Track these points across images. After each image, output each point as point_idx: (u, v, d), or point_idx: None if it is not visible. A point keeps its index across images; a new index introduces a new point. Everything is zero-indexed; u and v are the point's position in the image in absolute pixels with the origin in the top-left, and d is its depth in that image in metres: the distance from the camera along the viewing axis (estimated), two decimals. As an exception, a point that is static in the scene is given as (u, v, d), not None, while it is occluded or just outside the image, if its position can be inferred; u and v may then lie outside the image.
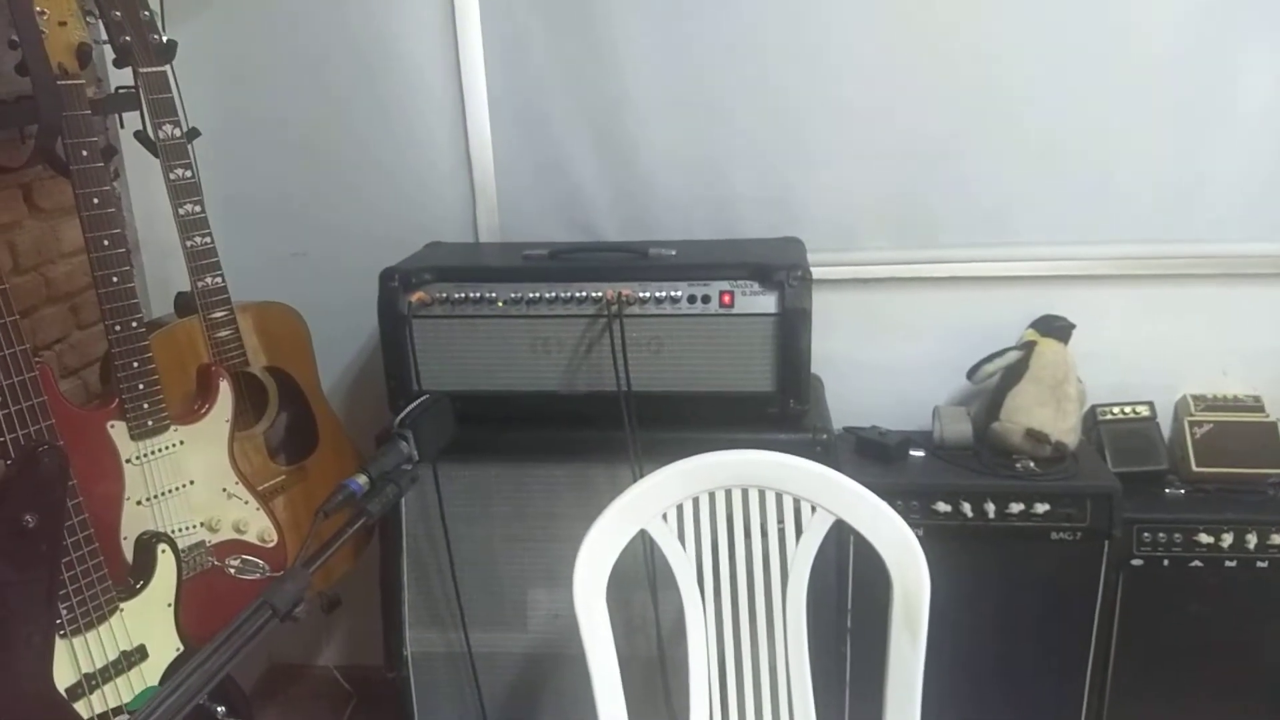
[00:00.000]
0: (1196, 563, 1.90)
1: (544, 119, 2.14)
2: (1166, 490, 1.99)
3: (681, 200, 2.15)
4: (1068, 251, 2.08)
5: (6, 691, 1.32)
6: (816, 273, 1.81)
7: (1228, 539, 1.88)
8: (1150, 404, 2.08)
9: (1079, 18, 1.96)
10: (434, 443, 1.19)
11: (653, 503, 1.46)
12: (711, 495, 1.48)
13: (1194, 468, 2.00)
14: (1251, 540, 1.87)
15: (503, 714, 1.96)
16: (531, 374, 1.86)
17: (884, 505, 1.42)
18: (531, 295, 1.82)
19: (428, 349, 1.85)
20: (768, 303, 1.79)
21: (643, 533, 1.46)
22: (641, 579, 1.79)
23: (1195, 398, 2.07)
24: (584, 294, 1.81)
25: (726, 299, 1.80)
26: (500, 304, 1.83)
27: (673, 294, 1.80)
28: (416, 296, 1.83)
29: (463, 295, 1.83)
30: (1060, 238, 2.08)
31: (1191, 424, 2.03)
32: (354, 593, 2.11)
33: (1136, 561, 1.91)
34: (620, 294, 1.79)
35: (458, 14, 2.08)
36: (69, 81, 1.53)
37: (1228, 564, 1.89)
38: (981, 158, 2.06)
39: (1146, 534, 1.90)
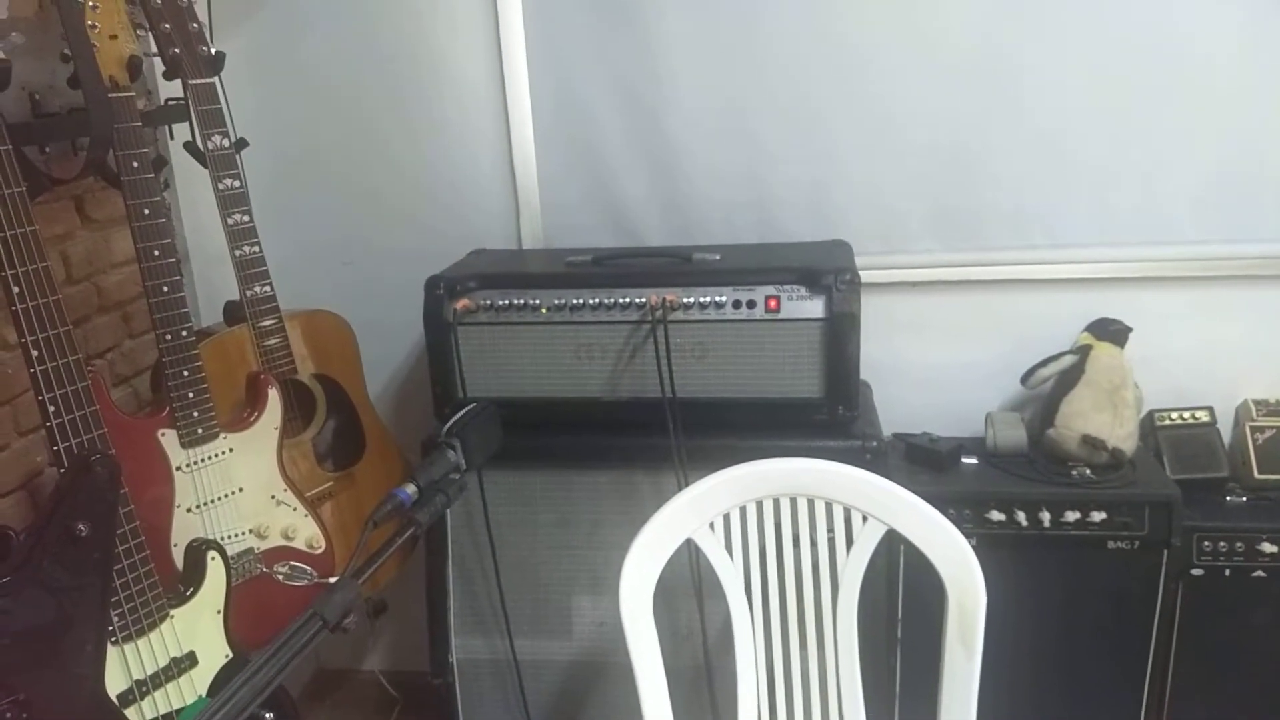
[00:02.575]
0: (1260, 573, 1.84)
1: (587, 126, 2.13)
2: (1228, 498, 1.93)
3: (725, 204, 2.13)
4: (1123, 253, 2.03)
5: (62, 698, 1.34)
6: (864, 276, 1.78)
7: (1293, 549, 1.82)
8: (1210, 409, 2.02)
9: (1128, 18, 1.92)
10: (481, 451, 1.18)
11: (700, 511, 1.44)
12: (760, 504, 1.46)
13: (1256, 475, 1.94)
14: (1318, 550, 1.82)
15: (548, 721, 1.95)
16: (575, 380, 1.85)
17: (938, 515, 1.39)
18: (575, 301, 1.82)
19: (472, 356, 1.85)
20: (815, 307, 1.76)
21: (689, 541, 1.44)
22: (687, 588, 1.78)
23: (1257, 402, 2.00)
24: (628, 300, 1.80)
25: (772, 304, 1.78)
26: (544, 310, 1.83)
27: (717, 299, 1.78)
28: (461, 304, 1.83)
29: (507, 302, 1.83)
30: (1115, 239, 2.03)
31: (1253, 429, 1.97)
32: (399, 598, 2.12)
33: (1197, 571, 1.86)
34: (664, 299, 1.78)
35: (501, 23, 2.08)
36: (120, 94, 1.55)
37: (1293, 574, 1.83)
38: (1032, 158, 2.02)
39: (1207, 543, 1.85)
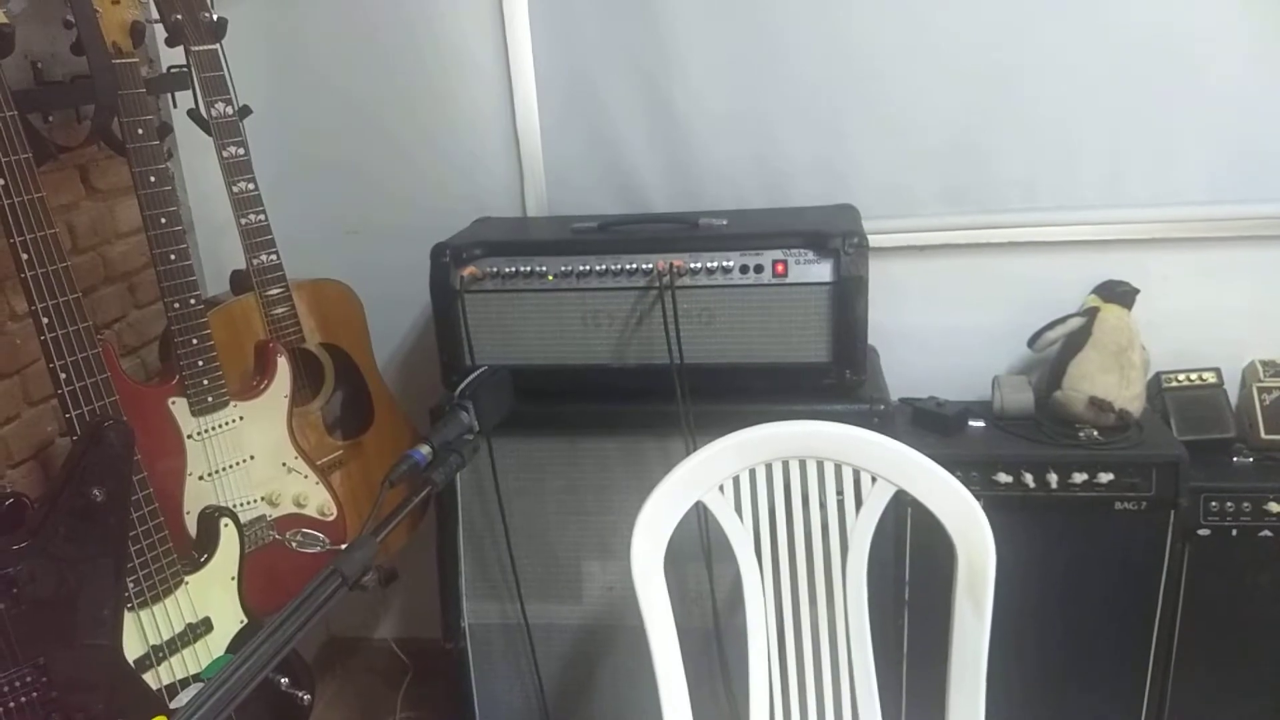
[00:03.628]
0: (1266, 532, 1.85)
1: (591, 91, 2.12)
2: (1234, 458, 1.94)
3: (732, 169, 2.12)
4: (1130, 214, 2.03)
5: (80, 662, 1.35)
6: (872, 240, 1.77)
7: (1299, 508, 1.83)
8: (1217, 370, 2.02)
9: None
10: (494, 413, 1.19)
11: (710, 474, 1.45)
12: (769, 467, 1.46)
13: (1263, 435, 1.94)
14: (1324, 509, 1.82)
15: (559, 685, 1.97)
16: (583, 347, 1.85)
17: (946, 475, 1.40)
18: (582, 268, 1.81)
19: (480, 324, 1.85)
20: (822, 271, 1.76)
21: (698, 505, 1.45)
22: (696, 551, 1.79)
23: (1264, 363, 2.00)
24: (634, 266, 1.80)
25: (780, 268, 1.77)
26: (550, 277, 1.83)
27: (724, 264, 1.78)
28: (468, 271, 1.82)
29: (513, 269, 1.83)
30: (1122, 200, 2.03)
31: (1260, 390, 1.97)
32: (410, 567, 2.14)
33: (1203, 531, 1.86)
34: (671, 265, 1.77)
35: (503, -14, 2.06)
36: (123, 60, 1.54)
37: (1299, 534, 1.84)
38: (1037, 120, 2.00)
39: (1214, 503, 1.85)
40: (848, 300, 1.75)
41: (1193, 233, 2.02)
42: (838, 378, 1.79)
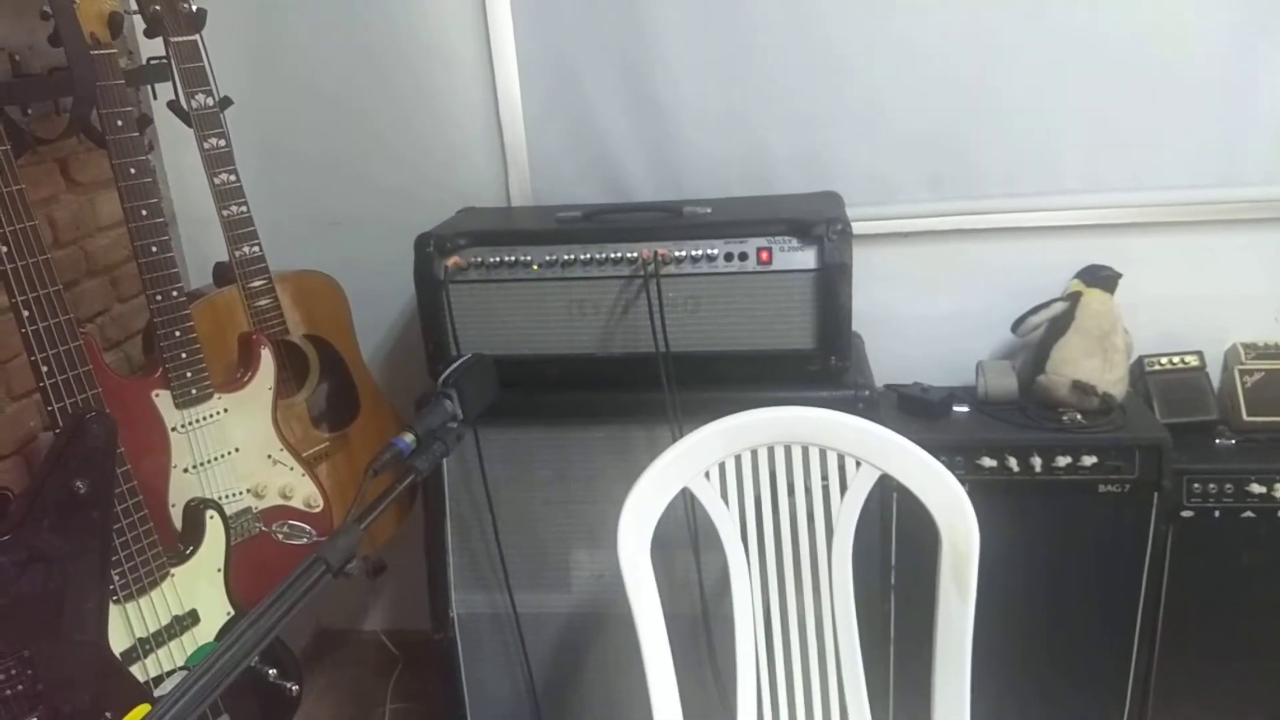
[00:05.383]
0: (1249, 513, 1.87)
1: (574, 80, 2.12)
2: (1217, 440, 1.95)
3: (715, 157, 2.12)
4: (1112, 199, 2.04)
5: (65, 655, 1.35)
6: (855, 227, 1.78)
7: (1281, 488, 1.84)
8: (1199, 353, 2.04)
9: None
10: (478, 400, 1.19)
11: (696, 460, 1.45)
12: (754, 453, 1.47)
13: (1245, 417, 1.96)
14: (1305, 490, 1.84)
15: (548, 673, 1.97)
16: (568, 336, 1.85)
17: (929, 458, 1.40)
18: (566, 257, 1.81)
19: (465, 314, 1.85)
20: (806, 258, 1.76)
21: (685, 492, 1.45)
22: (683, 539, 1.79)
23: (1246, 346, 2.02)
24: (619, 254, 1.80)
25: (764, 256, 1.77)
26: (535, 267, 1.82)
27: (709, 252, 1.78)
28: (452, 261, 1.82)
29: (498, 259, 1.82)
30: (1103, 185, 2.04)
31: (1242, 373, 1.99)
32: (398, 559, 2.14)
33: (1187, 513, 1.88)
34: (656, 253, 1.78)
35: (484, -26, 2.06)
36: (102, 51, 1.53)
37: (1280, 514, 1.86)
38: (1020, 105, 2.01)
39: (1197, 485, 1.87)
40: (832, 287, 1.75)
41: (1174, 217, 2.03)
42: (823, 364, 1.80)
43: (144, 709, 1.41)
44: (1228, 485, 1.86)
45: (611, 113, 2.13)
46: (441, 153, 2.20)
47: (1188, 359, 2.04)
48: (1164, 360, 2.04)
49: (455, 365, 1.21)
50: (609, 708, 1.96)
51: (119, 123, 1.54)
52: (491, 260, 1.83)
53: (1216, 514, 1.88)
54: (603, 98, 2.12)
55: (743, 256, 1.78)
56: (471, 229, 1.88)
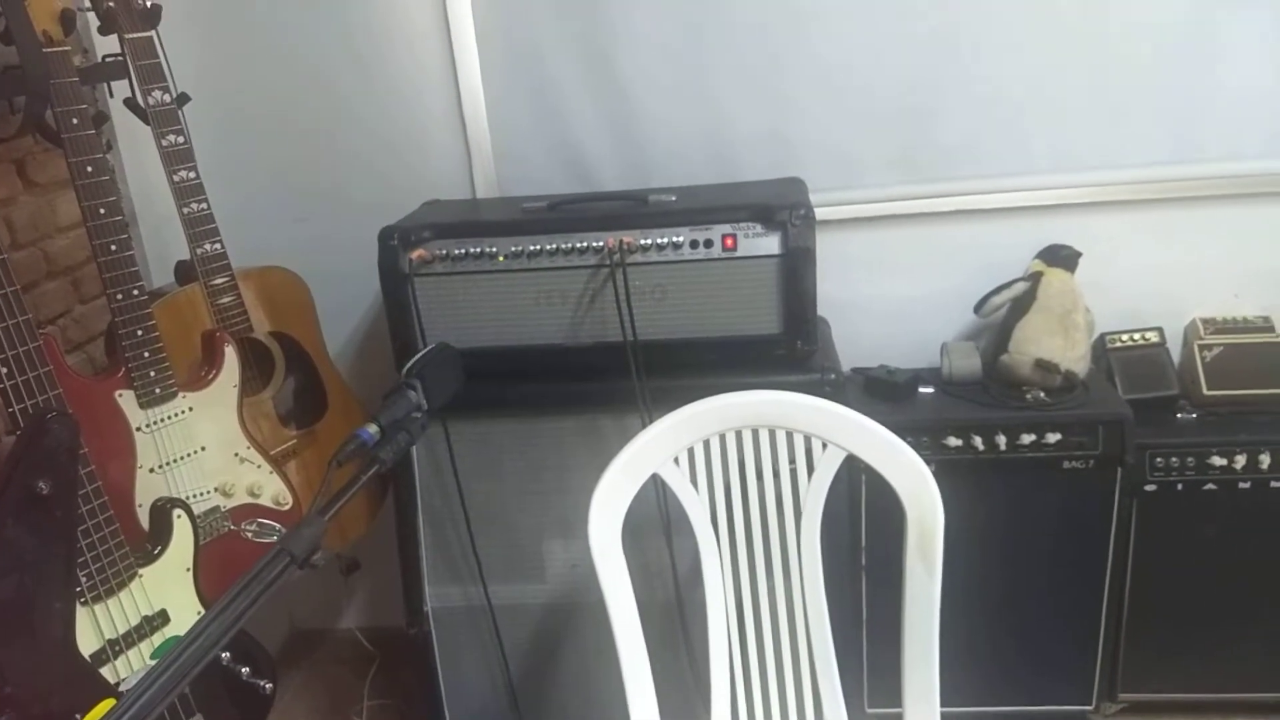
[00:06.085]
0: (1210, 485, 1.90)
1: (536, 69, 2.11)
2: (1178, 415, 1.99)
3: (680, 145, 2.13)
4: (1072, 179, 2.06)
5: (33, 657, 1.34)
6: (819, 213, 1.79)
7: (1241, 461, 1.87)
8: (1159, 329, 2.07)
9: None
10: (442, 391, 1.18)
11: (664, 447, 1.46)
12: (722, 437, 1.48)
13: (1205, 391, 1.99)
14: (1265, 461, 1.87)
15: (524, 663, 1.97)
16: (536, 327, 1.85)
17: (893, 436, 1.41)
18: (532, 248, 1.81)
19: (431, 307, 1.84)
20: (771, 244, 1.77)
21: (655, 478, 1.46)
22: (656, 526, 1.80)
23: (1205, 321, 2.05)
24: (585, 244, 1.80)
25: (729, 242, 1.78)
26: (501, 258, 1.82)
27: (674, 239, 1.79)
28: (417, 254, 1.81)
29: (463, 251, 1.82)
30: (1064, 165, 2.06)
31: (1201, 348, 2.02)
32: (371, 556, 2.13)
33: (1150, 487, 1.91)
34: (622, 242, 1.78)
35: (443, -35, 2.05)
36: (54, 49, 1.51)
37: (1241, 485, 1.89)
38: (980, 86, 2.03)
39: (1159, 459, 1.90)
40: (796, 272, 1.76)
41: (1133, 195, 2.06)
42: (789, 349, 1.81)
43: (109, 704, 1.40)
44: (1189, 459, 1.89)
45: (575, 103, 2.12)
46: (405, 146, 2.19)
47: (1148, 335, 2.07)
48: (1125, 337, 2.07)
49: (419, 355, 1.21)
50: (586, 697, 1.96)
51: (74, 121, 1.53)
52: (457, 252, 1.82)
53: (1179, 487, 1.91)
54: (566, 88, 2.12)
55: (708, 243, 1.78)
56: (436, 221, 1.88)
